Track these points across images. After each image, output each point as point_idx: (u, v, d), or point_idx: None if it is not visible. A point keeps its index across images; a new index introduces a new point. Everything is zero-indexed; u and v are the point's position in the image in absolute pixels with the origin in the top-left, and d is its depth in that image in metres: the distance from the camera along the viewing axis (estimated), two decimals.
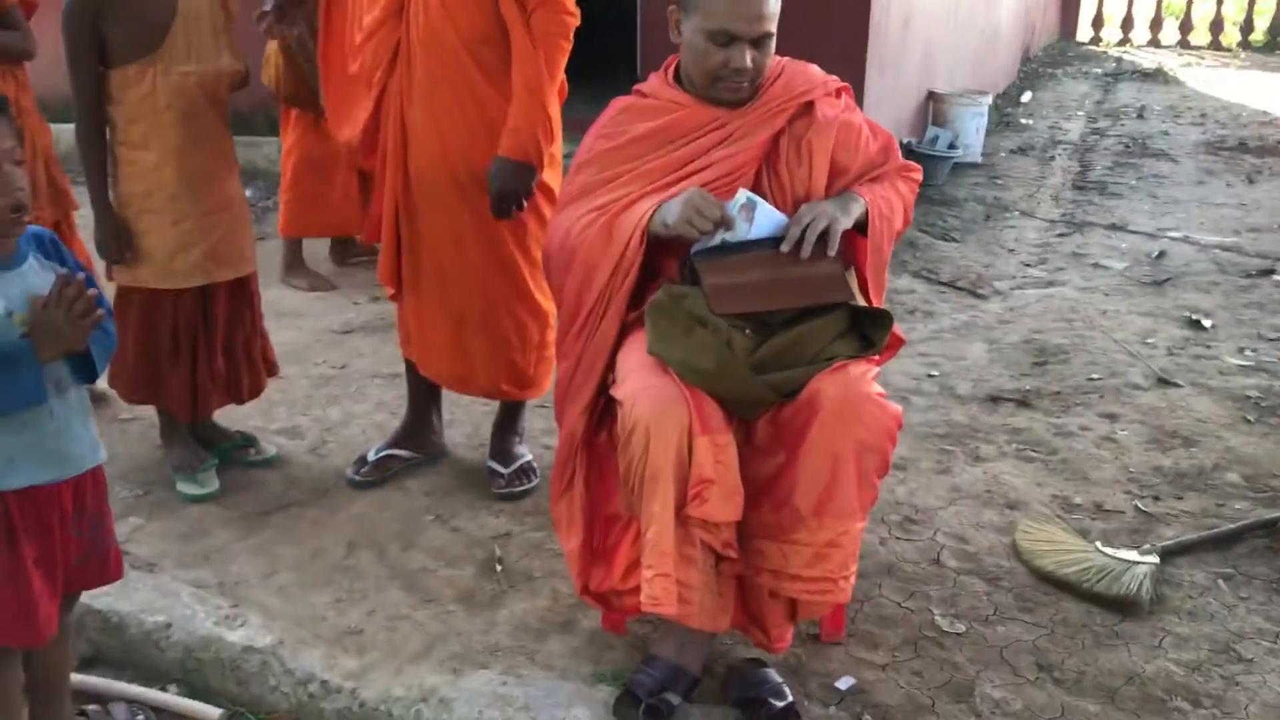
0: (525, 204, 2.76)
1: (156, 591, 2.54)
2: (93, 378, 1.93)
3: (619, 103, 2.44)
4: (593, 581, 2.33)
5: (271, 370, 3.18)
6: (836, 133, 2.34)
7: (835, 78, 2.43)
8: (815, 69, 2.42)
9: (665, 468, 2.06)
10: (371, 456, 3.13)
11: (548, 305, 2.91)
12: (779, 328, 2.18)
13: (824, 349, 2.15)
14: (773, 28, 2.25)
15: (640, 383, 2.12)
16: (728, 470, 2.09)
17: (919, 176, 2.48)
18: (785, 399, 2.12)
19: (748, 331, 2.17)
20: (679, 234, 2.19)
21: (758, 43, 2.23)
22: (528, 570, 2.70)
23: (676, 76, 2.39)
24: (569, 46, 2.71)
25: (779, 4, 2.25)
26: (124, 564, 2.10)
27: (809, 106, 2.34)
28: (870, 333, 2.23)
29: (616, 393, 2.17)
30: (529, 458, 3.12)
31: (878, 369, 2.23)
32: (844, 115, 2.37)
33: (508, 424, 3.16)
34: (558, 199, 2.42)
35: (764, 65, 2.27)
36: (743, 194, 2.19)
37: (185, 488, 3.01)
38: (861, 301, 2.30)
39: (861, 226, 2.29)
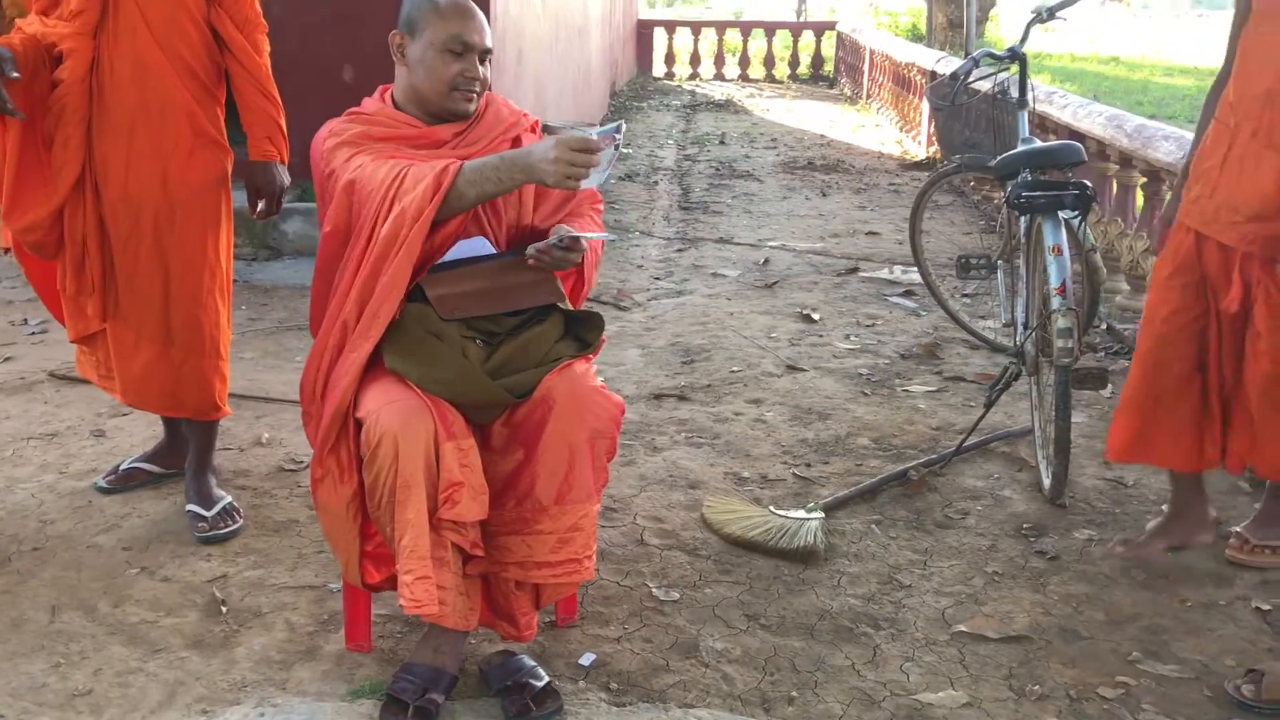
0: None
1: None
2: None
3: (333, 120, 2.48)
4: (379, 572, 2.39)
5: None
6: None
7: (527, 113, 2.64)
8: (511, 104, 2.62)
9: (416, 474, 2.16)
10: (123, 466, 3.25)
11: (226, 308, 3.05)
12: (506, 336, 2.35)
13: (549, 351, 2.35)
14: (492, 46, 2.43)
15: (382, 397, 2.21)
16: (473, 472, 2.24)
17: (601, 206, 2.74)
18: (519, 400, 2.29)
19: (479, 341, 2.32)
20: (561, 188, 2.26)
21: (483, 58, 2.40)
22: (254, 607, 2.67)
23: (395, 106, 2.48)
24: None
25: None
26: None
27: (516, 140, 2.53)
28: (584, 335, 2.45)
29: (357, 412, 2.24)
30: (230, 499, 3.07)
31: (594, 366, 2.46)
32: None
33: (203, 463, 3.09)
34: (336, 184, 2.36)
35: (488, 81, 2.44)
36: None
37: None
38: (570, 306, 2.52)
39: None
